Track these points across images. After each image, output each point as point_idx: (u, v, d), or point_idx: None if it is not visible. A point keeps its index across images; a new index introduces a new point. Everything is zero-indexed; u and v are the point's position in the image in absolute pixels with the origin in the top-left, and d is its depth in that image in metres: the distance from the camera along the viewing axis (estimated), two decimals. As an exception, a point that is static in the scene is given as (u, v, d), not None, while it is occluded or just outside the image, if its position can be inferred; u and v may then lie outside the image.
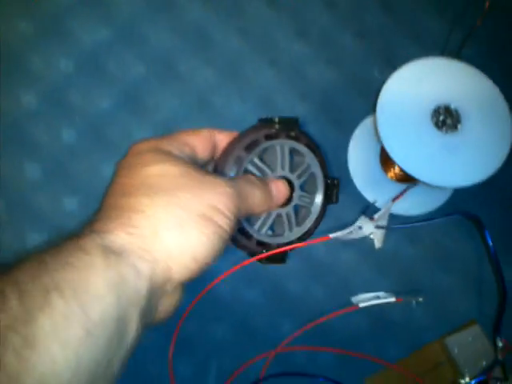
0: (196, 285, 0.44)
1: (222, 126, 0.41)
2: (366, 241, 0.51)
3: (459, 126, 0.46)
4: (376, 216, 0.51)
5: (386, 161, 0.54)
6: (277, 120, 0.45)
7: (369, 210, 0.51)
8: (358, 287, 0.51)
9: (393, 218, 0.52)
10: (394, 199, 0.52)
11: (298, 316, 0.49)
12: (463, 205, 0.54)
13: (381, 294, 0.51)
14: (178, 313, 0.38)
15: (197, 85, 0.53)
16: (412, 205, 0.54)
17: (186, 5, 0.54)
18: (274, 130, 0.44)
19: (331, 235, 0.48)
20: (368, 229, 0.49)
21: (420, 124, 0.46)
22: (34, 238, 0.48)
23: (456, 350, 0.49)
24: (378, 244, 0.52)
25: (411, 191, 0.53)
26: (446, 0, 0.58)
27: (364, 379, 0.48)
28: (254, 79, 0.54)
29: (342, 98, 0.54)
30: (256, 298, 0.50)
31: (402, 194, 0.52)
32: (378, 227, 0.51)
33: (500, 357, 0.45)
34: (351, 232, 0.48)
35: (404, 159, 0.45)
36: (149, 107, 0.52)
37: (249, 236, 0.45)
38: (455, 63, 0.49)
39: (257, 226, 0.46)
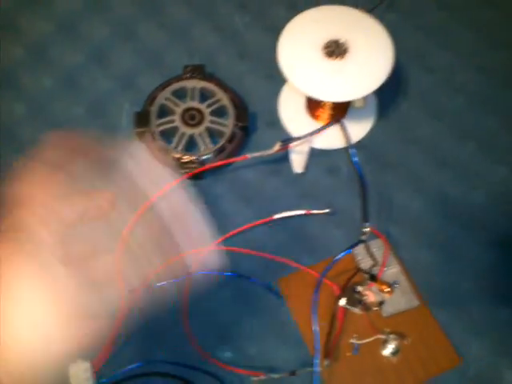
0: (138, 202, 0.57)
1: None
2: (291, 171, 0.60)
3: (346, 55, 0.54)
4: (294, 143, 0.59)
5: (310, 106, 0.63)
6: (186, 67, 0.62)
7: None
8: (282, 208, 0.58)
9: (316, 152, 0.60)
10: (312, 133, 0.60)
11: (225, 229, 0.58)
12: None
13: (299, 211, 0.58)
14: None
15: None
16: (332, 141, 0.61)
17: None
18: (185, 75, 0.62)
19: (249, 155, 0.57)
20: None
21: (313, 54, 0.55)
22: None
23: (360, 257, 0.54)
24: (296, 169, 0.60)
25: (331, 129, 0.60)
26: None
27: (277, 279, 0.55)
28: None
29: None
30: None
31: (321, 129, 0.60)
32: (295, 152, 0.59)
33: (363, 238, 0.50)
34: (268, 153, 0.56)
35: (302, 83, 0.54)
36: (112, 62, 0.67)
37: (166, 152, 0.57)
38: (348, 9, 0.57)
39: (173, 144, 0.57)
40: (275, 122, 0.63)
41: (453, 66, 0.65)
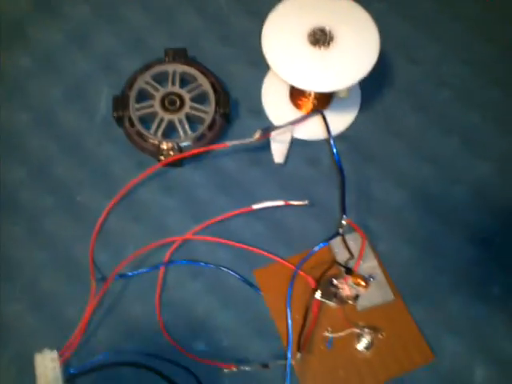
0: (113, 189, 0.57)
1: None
2: (271, 161, 0.59)
3: (332, 44, 0.53)
4: (274, 132, 0.58)
5: (294, 94, 0.61)
6: (167, 50, 0.61)
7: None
8: (261, 199, 0.57)
9: (298, 143, 0.59)
10: (294, 122, 0.58)
11: (202, 218, 0.57)
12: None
13: (278, 202, 0.57)
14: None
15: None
16: (314, 131, 0.60)
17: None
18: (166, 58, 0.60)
19: (229, 142, 0.56)
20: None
21: (298, 43, 0.53)
22: None
23: (337, 250, 0.54)
24: (276, 159, 0.59)
25: (313, 120, 0.59)
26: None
27: (253, 271, 0.55)
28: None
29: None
30: (169, 202, 0.58)
31: (301, 119, 0.58)
32: (276, 142, 0.58)
33: (340, 231, 0.50)
34: (247, 141, 0.55)
35: (286, 73, 0.53)
36: (93, 43, 0.65)
37: (145, 138, 0.56)
38: None
39: (152, 130, 0.56)
40: (258, 110, 0.62)
41: (439, 58, 0.64)
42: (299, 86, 0.53)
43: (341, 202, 0.50)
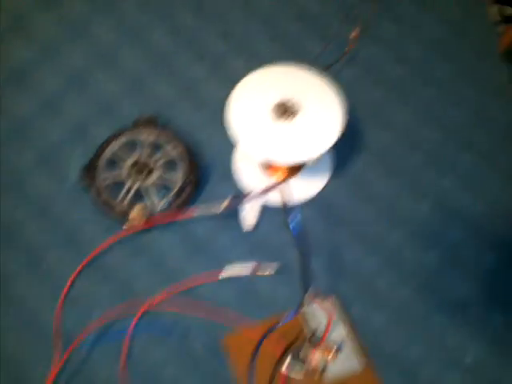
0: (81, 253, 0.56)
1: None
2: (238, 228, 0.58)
3: (297, 117, 0.53)
4: (243, 202, 0.57)
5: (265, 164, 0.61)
6: (138, 118, 0.61)
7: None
8: (232, 263, 0.56)
9: (270, 208, 0.59)
10: (263, 191, 0.57)
11: (170, 285, 0.55)
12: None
13: (245, 271, 0.56)
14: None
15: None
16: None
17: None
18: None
19: (195, 211, 0.56)
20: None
21: (262, 116, 0.54)
22: None
23: (305, 320, 0.52)
24: (245, 227, 0.58)
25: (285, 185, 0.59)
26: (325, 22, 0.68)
27: (221, 339, 0.52)
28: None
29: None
30: (137, 267, 0.57)
31: (271, 187, 0.58)
32: (246, 210, 0.57)
33: (304, 303, 0.48)
34: (218, 208, 0.55)
35: (252, 147, 0.53)
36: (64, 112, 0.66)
37: (111, 206, 0.55)
38: (299, 69, 0.56)
39: (119, 198, 0.56)
40: (229, 175, 0.62)
41: (411, 122, 0.65)
42: (264, 159, 0.53)
43: (303, 274, 0.48)
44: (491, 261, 0.56)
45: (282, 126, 0.53)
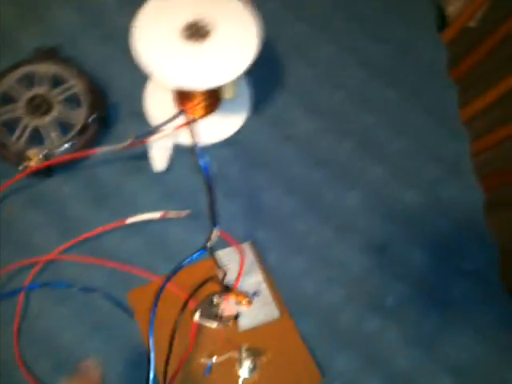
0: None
1: None
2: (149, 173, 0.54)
3: (208, 38, 0.49)
4: (152, 138, 0.52)
5: (178, 97, 0.57)
6: (38, 49, 0.55)
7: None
8: (141, 211, 0.52)
9: (182, 149, 0.54)
10: (173, 128, 0.53)
11: (73, 235, 0.51)
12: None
13: (154, 215, 0.52)
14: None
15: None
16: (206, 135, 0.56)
17: None
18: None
19: (99, 149, 0.50)
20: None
21: (171, 38, 0.49)
22: None
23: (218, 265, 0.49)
24: (156, 167, 0.54)
25: (201, 124, 0.55)
26: None
27: (127, 292, 0.49)
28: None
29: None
30: (35, 218, 0.52)
31: (182, 124, 0.53)
32: (156, 148, 0.53)
33: (208, 245, 0.45)
34: (119, 147, 0.50)
35: (161, 73, 0.48)
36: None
37: (5, 146, 0.50)
38: None
39: (15, 137, 0.50)
40: (140, 114, 0.57)
41: (335, 59, 0.62)
42: (174, 84, 0.48)
43: (210, 213, 0.45)
44: (412, 199, 0.55)
45: (194, 48, 0.48)
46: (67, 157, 0.51)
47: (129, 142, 0.49)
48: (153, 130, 0.52)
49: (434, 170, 0.56)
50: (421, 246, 0.53)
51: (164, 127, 0.52)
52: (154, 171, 0.53)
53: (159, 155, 0.53)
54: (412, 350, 0.49)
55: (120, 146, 0.50)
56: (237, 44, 0.49)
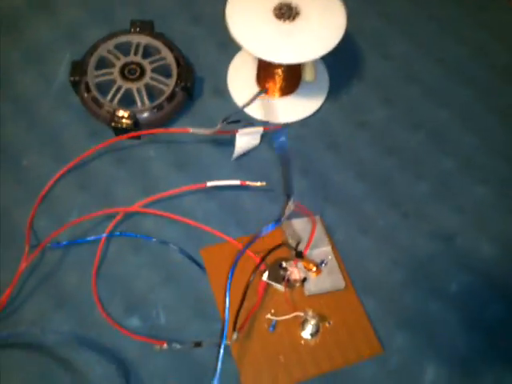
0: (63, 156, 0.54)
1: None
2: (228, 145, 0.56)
3: (297, 19, 0.52)
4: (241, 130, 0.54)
5: (260, 77, 0.60)
6: (133, 21, 0.59)
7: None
8: (216, 178, 0.53)
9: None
10: (245, 104, 0.56)
11: (153, 192, 0.54)
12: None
13: (234, 181, 0.54)
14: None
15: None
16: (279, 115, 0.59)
17: None
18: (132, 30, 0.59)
19: (191, 129, 0.54)
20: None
21: (263, 16, 0.52)
22: None
23: (288, 233, 0.51)
24: (235, 154, 0.56)
25: (278, 104, 0.58)
26: None
27: (201, 249, 0.51)
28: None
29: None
30: (119, 173, 0.55)
31: (254, 97, 0.56)
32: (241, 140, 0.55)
33: (287, 212, 0.47)
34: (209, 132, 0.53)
35: (250, 44, 0.51)
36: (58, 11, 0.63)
37: (100, 104, 0.53)
38: None
39: (109, 97, 0.54)
40: (222, 91, 0.60)
41: (411, 55, 0.63)
42: (264, 57, 0.51)
43: (285, 184, 0.47)
44: (481, 192, 0.56)
45: (284, 26, 0.51)
46: (161, 130, 0.55)
47: (219, 126, 0.52)
48: (244, 123, 0.55)
49: (505, 168, 0.57)
50: (490, 240, 0.53)
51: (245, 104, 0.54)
52: (232, 159, 0.56)
53: (242, 148, 0.55)
54: (472, 336, 0.49)
55: (211, 130, 0.53)
56: (324, 26, 0.52)
